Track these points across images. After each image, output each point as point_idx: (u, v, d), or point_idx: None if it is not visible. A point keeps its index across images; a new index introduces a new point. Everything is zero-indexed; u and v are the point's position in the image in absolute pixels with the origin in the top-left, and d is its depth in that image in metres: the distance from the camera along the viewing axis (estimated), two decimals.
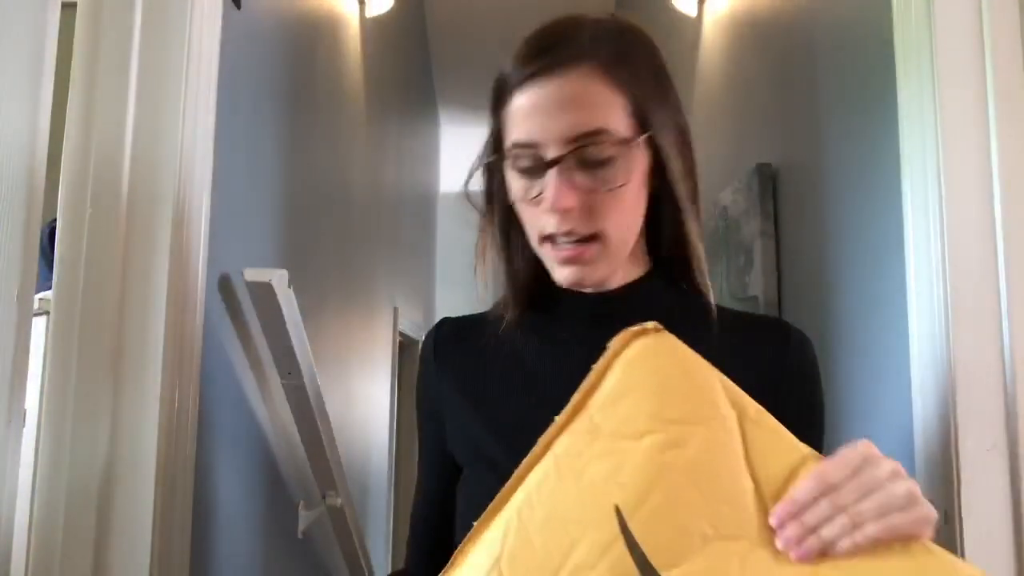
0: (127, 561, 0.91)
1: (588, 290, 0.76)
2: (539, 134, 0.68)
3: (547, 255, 0.73)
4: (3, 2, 0.74)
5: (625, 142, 0.69)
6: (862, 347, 1.25)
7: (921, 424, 0.98)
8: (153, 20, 0.99)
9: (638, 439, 0.54)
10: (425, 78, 4.59)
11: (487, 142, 0.78)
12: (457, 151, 5.20)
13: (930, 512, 0.51)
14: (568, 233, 0.70)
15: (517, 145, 0.70)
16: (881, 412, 1.18)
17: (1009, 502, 0.89)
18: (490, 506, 0.57)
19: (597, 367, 0.58)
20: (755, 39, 1.82)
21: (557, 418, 0.58)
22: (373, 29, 2.66)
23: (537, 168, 0.69)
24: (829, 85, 1.37)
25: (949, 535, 0.89)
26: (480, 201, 0.81)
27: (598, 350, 0.62)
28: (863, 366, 1.24)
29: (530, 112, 0.69)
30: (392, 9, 2.60)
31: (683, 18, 2.39)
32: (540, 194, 0.69)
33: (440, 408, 0.83)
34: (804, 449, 0.55)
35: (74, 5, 0.94)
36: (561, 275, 0.73)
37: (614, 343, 0.58)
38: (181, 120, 0.99)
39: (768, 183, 1.62)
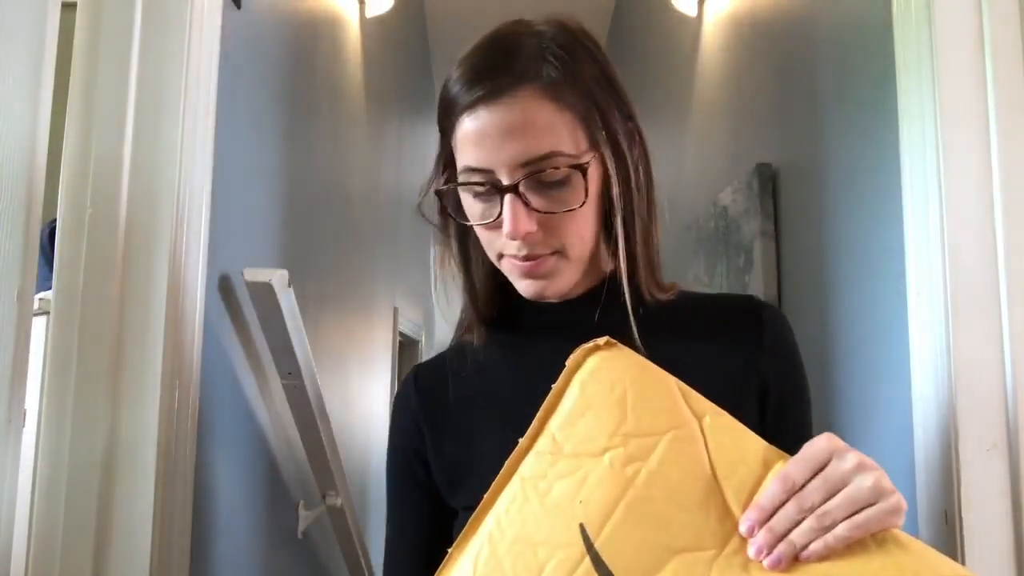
0: (127, 561, 0.91)
1: (550, 299, 0.74)
2: (489, 161, 0.67)
3: (507, 270, 0.73)
4: (3, 2, 0.74)
5: (577, 163, 0.68)
6: (862, 347, 1.24)
7: (921, 424, 0.98)
8: (153, 20, 0.99)
9: (599, 456, 0.55)
10: (425, 78, 4.59)
11: (438, 157, 0.77)
12: None
13: (899, 502, 0.51)
14: (527, 257, 0.70)
15: (469, 169, 0.69)
16: (881, 412, 1.18)
17: (1009, 502, 0.88)
18: (462, 532, 0.58)
19: (556, 386, 0.59)
20: (755, 39, 1.82)
21: (521, 440, 0.58)
22: (373, 29, 2.66)
23: (491, 193, 0.69)
24: (829, 85, 1.37)
25: (949, 535, 0.89)
26: (434, 215, 0.80)
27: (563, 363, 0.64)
28: (863, 366, 1.24)
29: (478, 139, 0.68)
30: (392, 9, 2.60)
31: (683, 18, 2.39)
32: (498, 217, 0.69)
33: (424, 454, 0.80)
34: (770, 450, 0.54)
35: (74, 5, 0.94)
36: (524, 288, 0.73)
37: (569, 361, 0.59)
38: (181, 120, 0.99)
39: (768, 183, 1.62)
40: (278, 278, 1.26)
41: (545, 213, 0.68)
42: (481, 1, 3.96)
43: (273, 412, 1.54)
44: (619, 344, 0.59)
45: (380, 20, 2.71)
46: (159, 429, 0.94)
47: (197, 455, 1.05)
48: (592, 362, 0.59)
